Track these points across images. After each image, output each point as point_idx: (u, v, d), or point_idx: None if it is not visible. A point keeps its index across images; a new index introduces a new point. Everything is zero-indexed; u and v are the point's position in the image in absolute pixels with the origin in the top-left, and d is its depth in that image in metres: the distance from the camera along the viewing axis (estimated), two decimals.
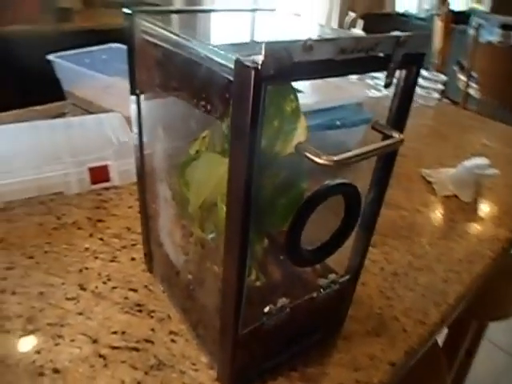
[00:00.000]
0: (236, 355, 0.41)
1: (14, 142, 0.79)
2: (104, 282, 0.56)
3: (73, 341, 0.48)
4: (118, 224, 0.67)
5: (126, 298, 0.54)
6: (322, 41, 0.26)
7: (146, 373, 0.46)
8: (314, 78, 0.28)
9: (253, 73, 0.24)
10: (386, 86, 0.33)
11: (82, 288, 0.55)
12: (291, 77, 0.27)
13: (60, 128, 0.85)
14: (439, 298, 0.59)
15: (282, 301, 0.41)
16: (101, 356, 0.47)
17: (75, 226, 0.66)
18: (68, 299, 0.54)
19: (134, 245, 0.63)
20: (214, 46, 0.30)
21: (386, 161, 0.39)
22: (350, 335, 0.52)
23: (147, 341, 0.49)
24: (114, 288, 0.56)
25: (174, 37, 0.35)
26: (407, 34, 0.31)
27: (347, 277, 0.47)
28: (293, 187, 0.37)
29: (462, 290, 0.60)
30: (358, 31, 2.60)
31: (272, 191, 0.36)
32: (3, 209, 0.68)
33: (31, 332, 0.49)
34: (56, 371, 0.45)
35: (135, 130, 0.48)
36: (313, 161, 0.28)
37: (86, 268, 0.58)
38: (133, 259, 0.61)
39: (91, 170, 0.73)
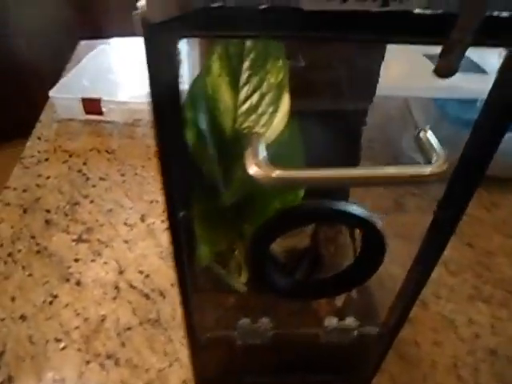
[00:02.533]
0: (198, 356, 0.35)
1: None
2: (162, 221, 0.56)
3: (106, 263, 0.51)
4: None
5: None
6: None
7: (140, 323, 0.45)
8: (255, 36, 0.17)
9: (140, 20, 0.16)
10: (444, 73, 0.18)
11: (142, 219, 0.57)
12: (197, 28, 0.17)
13: None
14: None
15: (263, 321, 0.33)
16: (116, 288, 0.48)
17: None
18: (125, 224, 0.56)
19: None
20: None
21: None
22: None
23: (161, 294, 0.47)
24: (167, 229, 0.55)
25: None
26: None
27: (375, 328, 0.34)
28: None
29: None
30: None
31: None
32: (131, 124, 0.74)
33: (83, 241, 0.53)
34: (78, 283, 0.48)
35: None
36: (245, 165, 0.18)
37: (157, 201, 0.59)
38: None
39: None
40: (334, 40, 0.18)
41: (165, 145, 0.19)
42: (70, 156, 0.67)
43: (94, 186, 0.61)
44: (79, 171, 0.64)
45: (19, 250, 0.52)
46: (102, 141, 0.71)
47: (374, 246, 0.25)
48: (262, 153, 0.18)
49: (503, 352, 0.44)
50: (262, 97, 0.23)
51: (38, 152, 0.67)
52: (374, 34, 0.18)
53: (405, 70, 0.79)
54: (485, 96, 0.20)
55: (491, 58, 0.69)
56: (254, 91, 0.23)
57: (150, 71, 0.17)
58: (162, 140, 0.19)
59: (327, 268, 0.34)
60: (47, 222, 0.55)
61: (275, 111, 0.22)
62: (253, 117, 0.23)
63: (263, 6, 0.15)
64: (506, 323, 0.47)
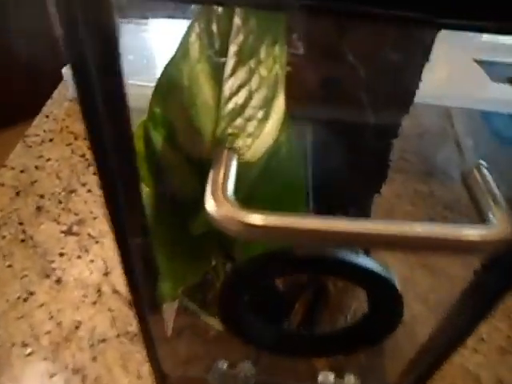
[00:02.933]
0: None
1: None
2: None
3: (92, 262, 0.46)
4: None
5: None
6: None
7: (117, 335, 0.40)
8: None
9: None
10: None
11: None
12: None
13: None
14: None
15: (244, 366, 0.27)
16: (98, 291, 0.43)
17: None
18: None
19: None
20: None
21: None
22: None
23: None
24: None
25: None
26: None
27: None
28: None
29: None
30: None
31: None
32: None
33: (72, 233, 0.49)
34: (58, 281, 0.44)
35: None
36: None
37: None
38: None
39: None
40: (359, 17, 0.11)
41: (102, 154, 0.14)
42: (76, 139, 0.62)
43: (94, 173, 0.57)
44: (82, 156, 0.60)
45: (3, 237, 0.48)
46: None
47: (388, 305, 0.19)
48: (230, 181, 0.12)
49: None
50: (250, 95, 0.17)
51: (44, 131, 0.64)
52: (423, 11, 0.11)
53: (450, 75, 0.71)
54: None
55: None
56: (240, 86, 0.17)
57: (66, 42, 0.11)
58: (97, 148, 0.13)
59: (332, 309, 0.28)
60: (38, 208, 0.51)
61: (266, 117, 0.16)
62: (238, 121, 0.17)
63: None
64: None
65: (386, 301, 0.18)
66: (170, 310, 0.29)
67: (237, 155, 0.15)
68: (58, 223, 0.50)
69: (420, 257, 0.48)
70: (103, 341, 0.39)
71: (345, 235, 0.13)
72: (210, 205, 0.12)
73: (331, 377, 0.27)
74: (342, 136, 0.25)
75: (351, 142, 0.26)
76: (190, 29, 0.17)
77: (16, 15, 1.41)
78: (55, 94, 0.72)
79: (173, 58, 0.18)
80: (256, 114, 0.17)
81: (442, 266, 0.50)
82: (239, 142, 0.16)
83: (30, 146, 0.61)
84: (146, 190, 0.19)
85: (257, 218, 0.12)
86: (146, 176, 0.19)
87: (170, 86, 0.18)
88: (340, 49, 0.19)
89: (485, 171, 0.16)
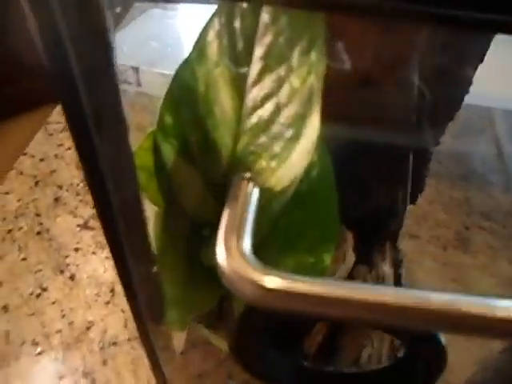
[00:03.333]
0: None
1: None
2: None
3: (107, 258, 0.45)
4: None
5: None
6: None
7: (129, 339, 0.39)
8: None
9: None
10: None
11: None
12: None
13: None
14: None
15: None
16: (112, 291, 0.42)
17: None
18: None
19: None
20: None
21: None
22: None
23: None
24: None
25: None
26: None
27: None
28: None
29: None
30: None
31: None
32: None
33: (88, 228, 0.48)
34: (72, 277, 0.43)
35: None
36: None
37: None
38: None
39: None
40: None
41: (94, 170, 0.11)
42: None
43: None
44: None
45: (20, 228, 0.47)
46: (135, 115, 0.65)
47: (427, 358, 0.16)
48: (248, 225, 0.10)
49: None
50: (277, 109, 0.14)
51: None
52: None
53: (493, 73, 0.66)
54: None
55: None
56: (266, 97, 0.14)
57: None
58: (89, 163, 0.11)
59: (349, 345, 0.25)
60: (56, 199, 0.50)
61: (296, 137, 0.14)
62: (262, 139, 0.14)
63: None
64: None
65: (426, 352, 0.15)
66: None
67: (259, 182, 0.13)
68: (75, 216, 0.49)
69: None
70: (114, 344, 0.38)
71: (380, 308, 0.10)
72: (221, 256, 0.10)
73: None
74: (379, 148, 0.22)
75: (389, 153, 0.23)
76: (207, 25, 0.15)
77: None
78: None
79: (187, 60, 0.15)
80: (284, 133, 0.14)
81: None
82: (262, 164, 0.14)
83: (51, 134, 0.60)
84: (155, 210, 0.17)
85: (277, 282, 0.09)
86: (155, 194, 0.17)
87: (183, 92, 0.15)
88: (386, 53, 0.16)
89: None
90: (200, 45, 0.15)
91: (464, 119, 0.66)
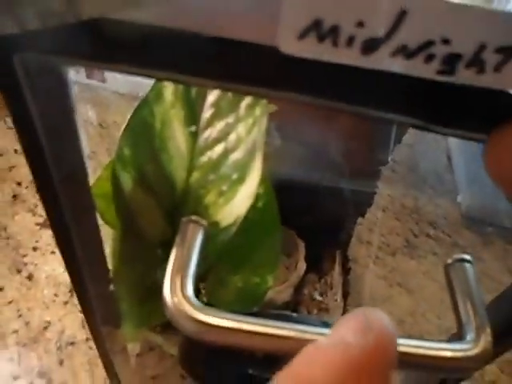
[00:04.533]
0: None
1: None
2: None
3: None
4: None
5: None
6: None
7: (86, 339, 0.39)
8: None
9: None
10: None
11: None
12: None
13: None
14: None
15: None
16: (70, 291, 0.42)
17: None
18: None
19: None
20: None
21: None
22: None
23: None
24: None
25: None
26: None
27: None
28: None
29: None
30: None
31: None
32: (134, 98, 0.67)
33: (47, 226, 0.47)
34: (29, 277, 0.43)
35: None
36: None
37: None
38: None
39: None
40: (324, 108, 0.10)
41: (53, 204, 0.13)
42: None
43: None
44: None
45: None
46: (98, 112, 0.64)
47: None
48: (192, 267, 0.11)
49: None
50: (225, 153, 0.15)
51: None
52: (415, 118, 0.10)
53: None
54: None
55: None
56: (216, 141, 0.16)
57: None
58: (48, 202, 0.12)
59: None
60: (15, 196, 0.50)
61: (242, 180, 0.15)
62: (211, 177, 0.16)
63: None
64: None
65: None
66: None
67: (206, 216, 0.14)
68: (34, 214, 0.48)
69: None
70: (71, 344, 0.39)
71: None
72: (167, 296, 0.11)
73: None
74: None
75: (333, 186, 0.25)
76: None
77: None
78: None
79: (146, 98, 0.17)
80: (231, 174, 0.15)
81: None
82: (211, 198, 0.15)
83: (11, 128, 0.59)
84: (112, 233, 0.18)
85: (216, 320, 0.11)
86: (112, 218, 0.18)
87: (141, 127, 0.16)
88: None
89: (467, 266, 0.15)
90: (158, 85, 0.16)
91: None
